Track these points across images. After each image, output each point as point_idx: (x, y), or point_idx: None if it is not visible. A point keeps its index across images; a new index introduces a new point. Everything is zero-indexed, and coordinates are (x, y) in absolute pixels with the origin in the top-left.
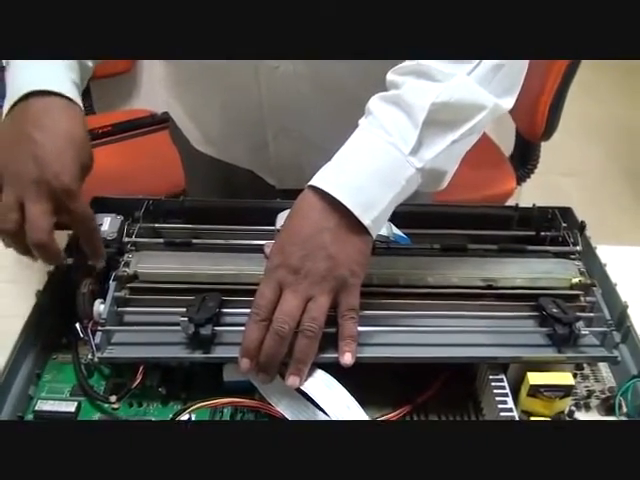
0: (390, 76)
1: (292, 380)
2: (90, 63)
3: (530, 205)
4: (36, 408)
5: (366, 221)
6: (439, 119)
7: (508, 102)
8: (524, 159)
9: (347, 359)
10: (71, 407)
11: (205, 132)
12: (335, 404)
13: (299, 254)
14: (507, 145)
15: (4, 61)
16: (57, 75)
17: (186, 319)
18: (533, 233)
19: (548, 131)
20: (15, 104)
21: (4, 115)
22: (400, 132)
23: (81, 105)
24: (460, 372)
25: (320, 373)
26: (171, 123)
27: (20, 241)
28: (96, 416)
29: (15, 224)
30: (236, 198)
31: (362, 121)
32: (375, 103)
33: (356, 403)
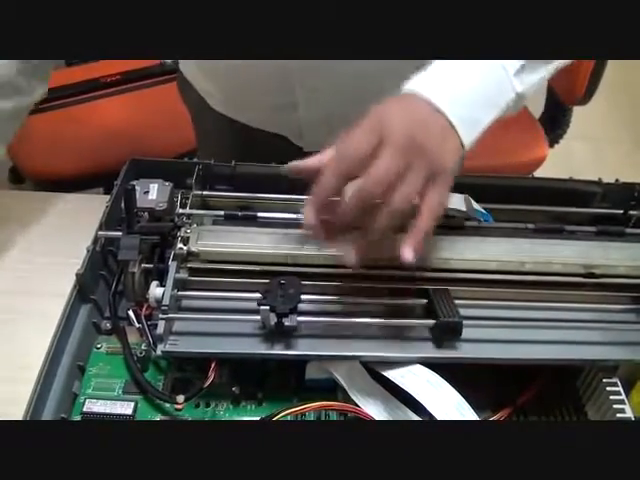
0: None
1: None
2: None
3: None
4: (84, 409)
5: (467, 141)
6: None
7: None
8: (555, 123)
9: (407, 254)
10: (127, 409)
11: (222, 91)
12: (443, 406)
13: (404, 126)
14: (533, 108)
15: None
16: None
17: (267, 307)
18: (620, 212)
19: (589, 93)
20: None
21: None
22: None
23: None
24: (559, 370)
25: (423, 370)
26: (180, 80)
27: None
28: (157, 419)
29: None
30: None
31: None
32: None
33: (469, 406)
